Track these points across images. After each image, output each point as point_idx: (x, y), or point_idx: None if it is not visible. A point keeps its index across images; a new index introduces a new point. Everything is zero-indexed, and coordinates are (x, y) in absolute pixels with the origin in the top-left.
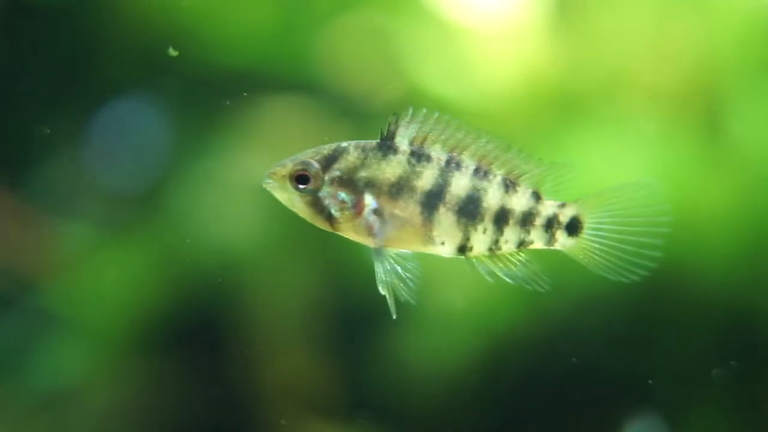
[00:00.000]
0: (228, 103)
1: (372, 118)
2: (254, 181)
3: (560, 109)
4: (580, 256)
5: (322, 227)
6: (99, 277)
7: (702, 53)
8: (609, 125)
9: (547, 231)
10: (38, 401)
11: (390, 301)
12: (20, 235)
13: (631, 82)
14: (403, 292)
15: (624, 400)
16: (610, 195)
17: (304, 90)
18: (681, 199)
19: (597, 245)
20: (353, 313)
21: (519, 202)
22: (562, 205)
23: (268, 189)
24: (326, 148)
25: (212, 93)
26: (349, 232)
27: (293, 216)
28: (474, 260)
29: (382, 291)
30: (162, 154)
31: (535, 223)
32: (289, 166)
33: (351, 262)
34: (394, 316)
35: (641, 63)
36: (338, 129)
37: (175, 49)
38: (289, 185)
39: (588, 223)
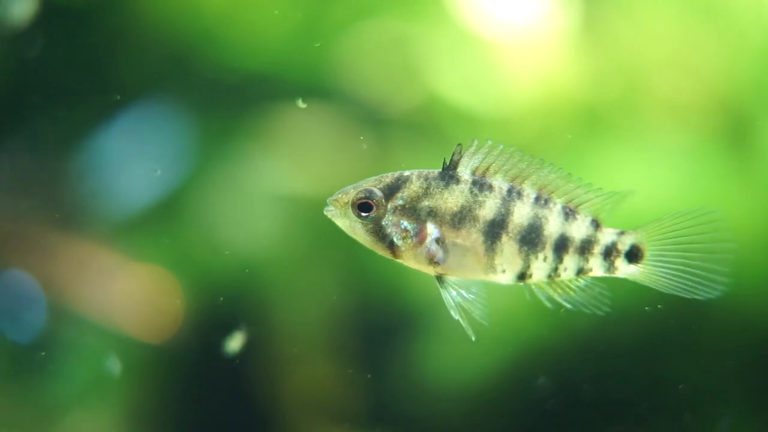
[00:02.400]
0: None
1: (391, 125)
2: (274, 186)
3: (582, 120)
4: (646, 282)
5: (382, 254)
6: (114, 280)
7: (724, 67)
8: (631, 138)
9: (606, 259)
10: (51, 406)
11: (464, 324)
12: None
13: (654, 95)
14: (473, 315)
15: (648, 414)
16: (670, 222)
17: (325, 96)
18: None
19: (661, 272)
20: (375, 323)
21: (578, 230)
22: (622, 233)
23: (329, 216)
24: (389, 177)
25: (232, 98)
26: (410, 260)
27: (315, 224)
28: (533, 286)
29: (455, 316)
30: (182, 158)
31: (593, 251)
32: (351, 193)
33: (373, 271)
34: (473, 338)
35: (664, 76)
36: (358, 136)
37: (303, 101)
38: (351, 213)
39: (650, 251)
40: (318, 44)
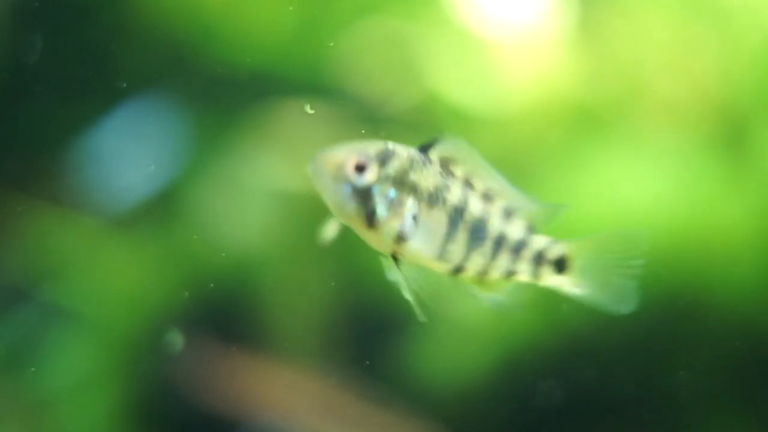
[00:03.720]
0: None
1: (389, 124)
2: (271, 183)
3: (579, 121)
4: (568, 293)
5: (350, 224)
6: (111, 275)
7: (721, 69)
8: (628, 139)
9: (534, 265)
10: (47, 397)
11: (416, 307)
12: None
13: (651, 96)
14: (426, 299)
15: (641, 417)
16: (600, 239)
17: (323, 93)
18: (701, 216)
19: (582, 284)
20: (368, 322)
21: (514, 231)
22: (553, 242)
23: (312, 173)
24: (376, 145)
25: (230, 94)
26: (379, 234)
27: (310, 221)
28: (461, 281)
29: (408, 297)
30: (179, 154)
31: (524, 255)
32: (346, 153)
33: (369, 270)
34: (423, 320)
35: (661, 77)
36: (356, 133)
37: (311, 108)
38: (342, 173)
39: (576, 263)
40: (320, 43)
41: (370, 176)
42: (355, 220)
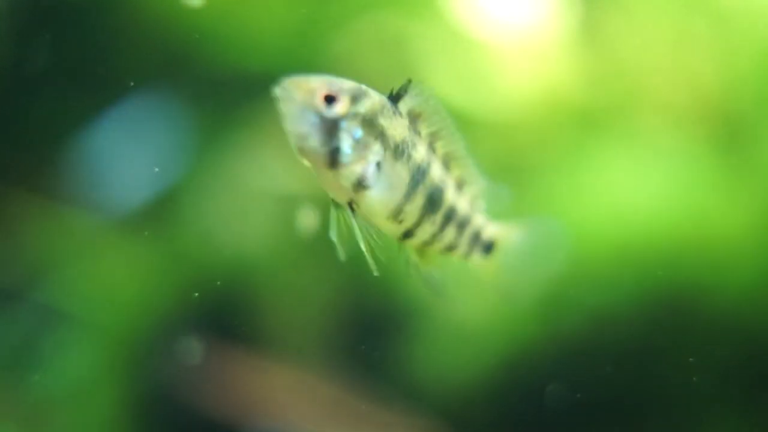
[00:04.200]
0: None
1: None
2: (272, 184)
3: (579, 123)
4: (480, 276)
5: (309, 161)
6: (111, 276)
7: (722, 71)
8: (628, 141)
9: (471, 243)
10: (48, 400)
11: (370, 259)
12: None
13: (651, 99)
14: (378, 255)
15: (641, 418)
16: (521, 227)
17: None
18: (701, 218)
19: (499, 272)
20: (369, 322)
21: (462, 206)
22: (489, 223)
23: (279, 97)
24: (350, 82)
25: (231, 95)
26: (337, 176)
27: (310, 222)
28: (406, 248)
29: (363, 247)
30: (180, 154)
31: (466, 231)
32: (318, 82)
33: (366, 273)
34: (376, 274)
35: (662, 79)
36: None
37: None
38: (311, 101)
39: (501, 249)
40: (320, 44)
41: (340, 108)
42: (316, 155)
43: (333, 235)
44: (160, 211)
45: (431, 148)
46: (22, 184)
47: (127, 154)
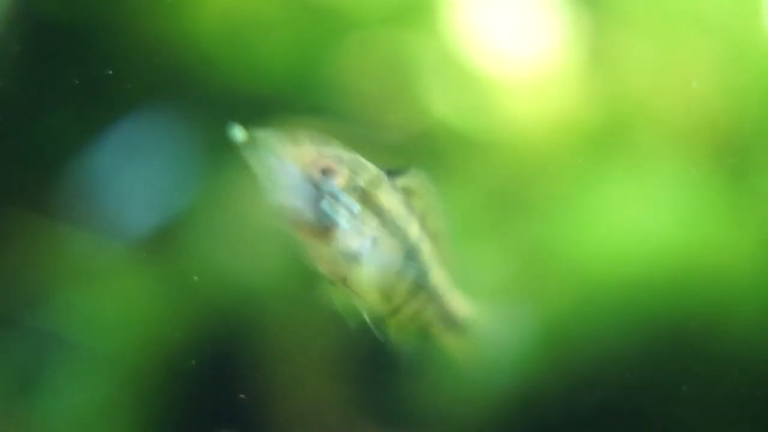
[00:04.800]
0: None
1: (392, 150)
2: (274, 212)
3: (585, 149)
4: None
5: (297, 232)
6: (113, 302)
7: (732, 98)
8: (634, 168)
9: (444, 320)
10: (49, 428)
11: (375, 328)
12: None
13: (659, 125)
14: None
15: None
16: (494, 309)
17: (324, 118)
18: (708, 249)
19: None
20: (372, 359)
21: (442, 282)
22: (464, 303)
23: (259, 157)
24: (351, 154)
25: (230, 119)
26: (329, 250)
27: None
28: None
29: (366, 318)
30: (181, 181)
31: (442, 308)
32: (317, 150)
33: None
34: (383, 340)
35: (670, 106)
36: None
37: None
38: (308, 173)
39: (470, 330)
40: (321, 68)
41: (339, 181)
42: (309, 229)
43: (336, 307)
44: (165, 237)
45: (422, 224)
46: (25, 207)
47: (131, 177)
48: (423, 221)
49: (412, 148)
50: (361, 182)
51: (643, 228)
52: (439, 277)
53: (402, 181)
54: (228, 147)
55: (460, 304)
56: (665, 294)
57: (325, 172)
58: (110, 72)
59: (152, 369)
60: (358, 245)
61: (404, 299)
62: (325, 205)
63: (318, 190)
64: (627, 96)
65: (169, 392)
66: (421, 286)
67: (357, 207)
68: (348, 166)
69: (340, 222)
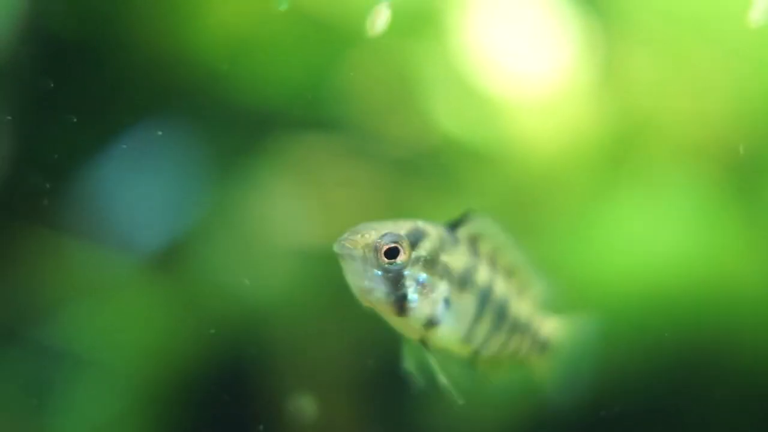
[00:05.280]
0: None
1: (402, 165)
2: (283, 226)
3: (594, 164)
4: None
5: (379, 309)
6: (121, 317)
7: (742, 114)
8: (645, 185)
9: (531, 344)
10: None
11: (453, 390)
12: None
13: (669, 142)
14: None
15: None
16: (571, 323)
17: (332, 133)
18: (720, 267)
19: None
20: (382, 377)
21: (524, 312)
22: (547, 322)
23: (341, 256)
24: (407, 224)
25: (238, 135)
26: (406, 321)
27: (324, 269)
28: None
29: (443, 381)
30: (189, 198)
31: (527, 336)
32: (377, 235)
33: (383, 325)
34: (461, 402)
35: (680, 123)
36: (366, 174)
37: None
38: (371, 256)
39: (554, 348)
40: (330, 83)
41: (401, 259)
42: (383, 305)
43: (409, 367)
44: (174, 252)
45: (492, 263)
46: (35, 223)
47: (140, 192)
48: (493, 260)
49: (420, 162)
50: (423, 252)
51: (653, 243)
52: (519, 307)
53: (465, 230)
54: (235, 162)
55: (545, 325)
56: (677, 308)
57: (388, 254)
58: (120, 87)
59: (161, 383)
60: (430, 310)
61: (486, 338)
62: (392, 282)
63: (384, 272)
64: (638, 111)
65: (179, 405)
66: (501, 321)
67: (423, 276)
68: (408, 240)
69: (409, 294)
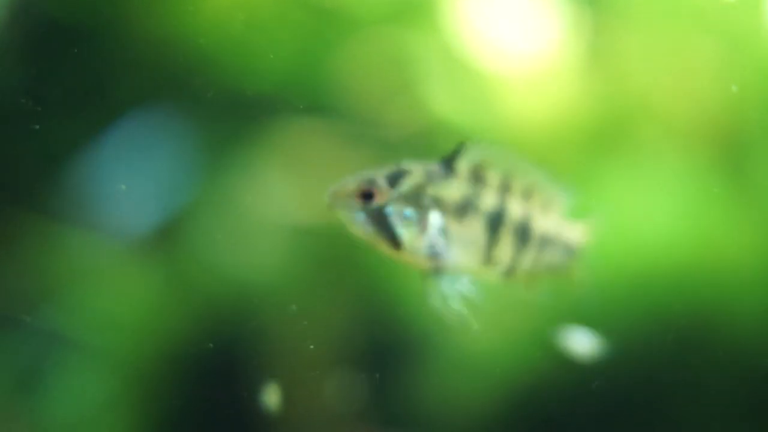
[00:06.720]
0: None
1: (392, 147)
2: (276, 208)
3: (586, 147)
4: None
5: (382, 250)
6: (115, 300)
7: (731, 95)
8: (635, 165)
9: (566, 251)
10: (53, 426)
11: (462, 319)
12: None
13: (659, 122)
14: (466, 312)
15: None
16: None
17: (328, 116)
18: (710, 244)
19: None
20: (376, 353)
21: (552, 226)
22: (572, 228)
23: (331, 209)
24: (390, 167)
25: (231, 118)
26: (409, 255)
27: (317, 246)
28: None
29: (455, 306)
30: (181, 180)
31: (558, 247)
32: (352, 183)
33: (381, 299)
34: (476, 327)
35: (669, 103)
36: (359, 156)
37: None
38: (353, 203)
39: (581, 247)
40: (323, 67)
41: (378, 199)
42: (381, 244)
43: (435, 303)
44: (166, 235)
45: (505, 188)
46: (26, 206)
47: (132, 177)
48: (505, 185)
49: (413, 145)
50: (404, 188)
51: (644, 224)
52: (544, 223)
53: (465, 162)
54: (228, 144)
55: (572, 232)
56: (668, 288)
57: (363, 196)
58: (111, 72)
59: (154, 366)
60: (426, 241)
61: (514, 257)
62: (378, 221)
63: (366, 214)
64: (628, 93)
65: (171, 386)
66: (526, 239)
67: (408, 211)
68: (384, 182)
69: (398, 231)
